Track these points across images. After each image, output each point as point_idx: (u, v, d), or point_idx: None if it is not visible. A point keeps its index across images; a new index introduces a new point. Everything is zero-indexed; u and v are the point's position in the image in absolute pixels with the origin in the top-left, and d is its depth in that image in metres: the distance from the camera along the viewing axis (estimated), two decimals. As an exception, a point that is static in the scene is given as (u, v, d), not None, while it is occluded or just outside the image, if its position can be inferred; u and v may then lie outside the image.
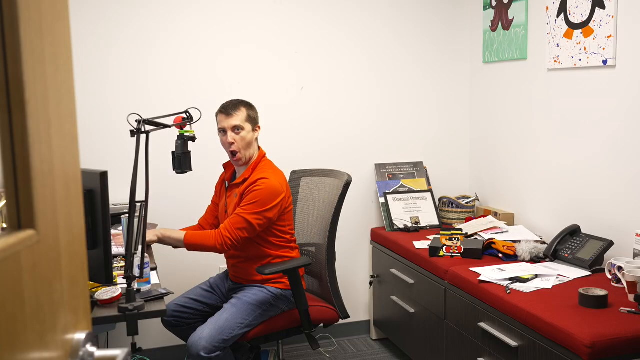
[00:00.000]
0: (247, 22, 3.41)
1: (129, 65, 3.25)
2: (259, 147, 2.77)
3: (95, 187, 1.89)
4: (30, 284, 0.72)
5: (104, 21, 3.19)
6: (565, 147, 3.00)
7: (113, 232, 2.56)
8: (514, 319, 2.32)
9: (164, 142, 2.76)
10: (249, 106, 2.70)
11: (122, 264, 2.45)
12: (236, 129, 2.64)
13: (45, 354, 0.76)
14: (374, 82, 3.65)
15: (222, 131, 2.67)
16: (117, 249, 2.56)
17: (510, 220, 3.37)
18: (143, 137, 2.21)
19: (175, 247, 2.66)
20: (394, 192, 3.61)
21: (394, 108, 3.70)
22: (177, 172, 2.47)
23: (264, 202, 2.58)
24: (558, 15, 2.96)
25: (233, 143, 2.63)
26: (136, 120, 2.23)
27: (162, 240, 2.61)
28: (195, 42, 3.34)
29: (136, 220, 2.15)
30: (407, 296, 3.21)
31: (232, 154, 2.66)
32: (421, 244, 3.17)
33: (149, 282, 2.31)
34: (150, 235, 2.54)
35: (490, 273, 2.62)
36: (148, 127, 2.25)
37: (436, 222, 3.58)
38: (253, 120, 2.70)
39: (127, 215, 2.19)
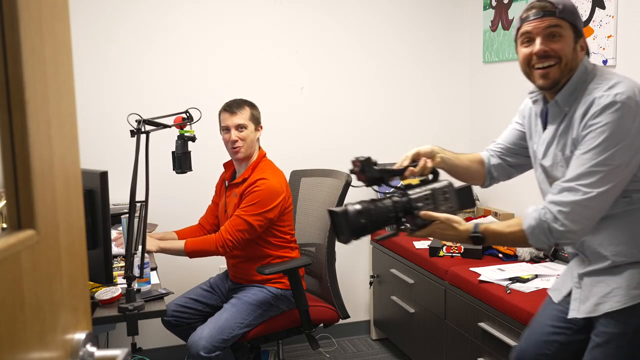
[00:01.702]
0: (247, 22, 3.41)
1: (129, 65, 3.25)
2: (259, 147, 2.77)
3: (95, 187, 1.89)
4: (30, 284, 0.72)
5: (104, 22, 3.19)
6: (565, 147, 3.00)
7: (113, 233, 2.56)
8: (514, 319, 2.32)
9: (164, 142, 2.76)
10: (252, 106, 2.72)
11: (122, 264, 2.45)
12: (240, 127, 2.65)
13: (45, 354, 0.76)
14: (374, 82, 3.65)
15: (225, 129, 2.68)
16: (117, 249, 2.57)
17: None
18: (143, 137, 2.21)
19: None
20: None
21: (394, 108, 3.70)
22: (177, 172, 2.47)
23: (264, 203, 2.58)
24: (558, 15, 2.96)
25: (236, 141, 2.64)
26: (136, 120, 2.23)
27: (162, 251, 2.62)
28: (195, 43, 3.34)
29: (136, 220, 2.15)
30: (407, 296, 3.21)
31: (233, 148, 2.67)
32: (421, 244, 3.17)
33: (149, 282, 2.31)
34: (149, 246, 2.52)
35: (490, 273, 2.62)
36: (148, 127, 2.25)
37: (436, 222, 3.57)
38: (256, 120, 2.71)
39: (127, 215, 2.19)
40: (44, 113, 0.77)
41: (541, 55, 1.67)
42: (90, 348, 0.85)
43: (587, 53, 1.74)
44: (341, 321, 2.93)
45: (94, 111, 3.18)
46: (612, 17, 2.63)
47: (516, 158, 1.99)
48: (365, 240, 3.69)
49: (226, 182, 2.82)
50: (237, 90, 3.21)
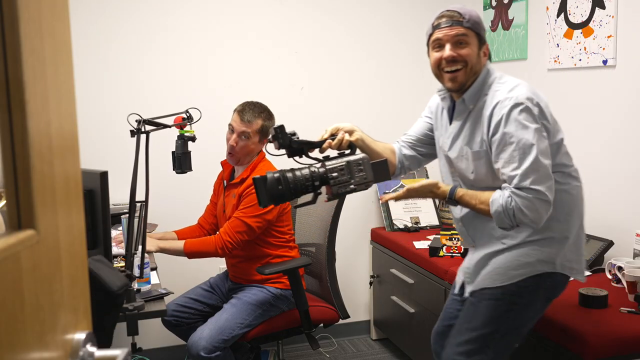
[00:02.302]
0: (247, 22, 3.41)
1: (129, 65, 3.25)
2: (260, 150, 2.77)
3: (95, 187, 1.89)
4: (30, 284, 0.72)
5: (104, 22, 3.19)
6: (565, 147, 3.00)
7: (113, 233, 2.56)
8: (514, 319, 2.31)
9: (164, 142, 2.76)
10: (267, 118, 2.66)
11: (122, 264, 2.45)
12: (244, 135, 2.63)
13: (45, 354, 0.76)
14: (374, 82, 3.65)
15: (231, 129, 2.67)
16: (117, 249, 2.57)
17: (510, 220, 3.37)
18: (143, 137, 2.21)
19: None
20: (394, 192, 3.61)
21: (394, 108, 3.69)
22: (177, 172, 2.47)
23: (263, 205, 2.58)
24: (558, 15, 2.97)
25: (233, 146, 2.64)
26: (136, 120, 2.23)
27: (161, 251, 2.62)
28: (195, 43, 3.34)
29: (136, 220, 2.15)
30: (407, 296, 3.21)
31: (229, 153, 2.67)
32: (421, 244, 3.17)
33: (149, 282, 2.31)
34: (149, 246, 2.51)
35: (490, 273, 2.61)
36: (148, 127, 2.25)
37: (436, 222, 3.57)
38: (264, 134, 2.66)
39: (127, 215, 2.19)
40: (44, 113, 0.77)
41: (450, 60, 1.91)
42: (90, 348, 0.85)
43: (489, 58, 2.00)
44: (341, 321, 2.93)
45: (94, 111, 3.18)
46: (612, 17, 2.63)
47: (426, 148, 2.21)
48: (365, 240, 3.69)
49: (224, 181, 2.82)
50: (237, 91, 3.21)
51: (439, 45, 1.95)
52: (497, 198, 1.82)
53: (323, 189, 1.83)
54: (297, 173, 1.79)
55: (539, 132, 1.81)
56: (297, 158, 1.87)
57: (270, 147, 1.88)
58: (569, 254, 1.95)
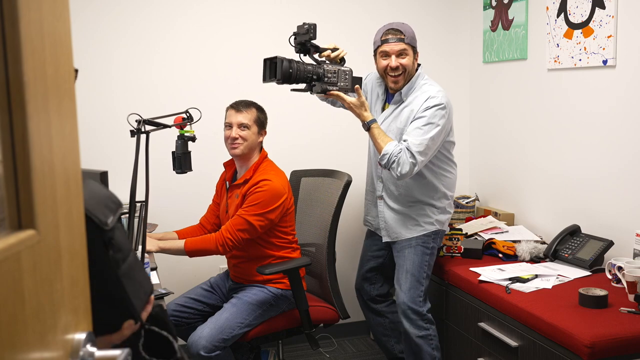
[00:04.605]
0: (248, 22, 3.41)
1: (129, 65, 3.25)
2: (262, 148, 2.77)
3: (95, 187, 1.89)
4: (30, 284, 0.72)
5: (105, 20, 3.19)
6: (565, 147, 3.00)
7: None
8: (514, 319, 2.32)
9: (164, 142, 2.76)
10: (260, 109, 2.73)
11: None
12: (242, 126, 2.65)
13: (46, 354, 0.76)
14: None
15: (228, 126, 2.68)
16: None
17: (510, 220, 3.37)
18: (143, 137, 2.21)
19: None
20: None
21: (394, 108, 3.69)
22: (177, 172, 2.47)
23: (266, 204, 2.58)
24: (558, 15, 2.97)
25: (236, 138, 2.64)
26: (136, 120, 2.23)
27: (162, 251, 2.61)
28: (195, 43, 3.34)
29: (136, 220, 2.15)
30: (407, 296, 3.20)
31: (232, 144, 2.67)
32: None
33: (149, 282, 2.30)
34: (149, 246, 2.50)
35: (490, 273, 2.62)
36: (148, 127, 2.25)
37: (436, 222, 3.56)
38: (261, 124, 2.71)
39: (127, 215, 2.19)
40: (44, 113, 0.77)
41: (394, 68, 2.65)
42: (90, 348, 0.85)
43: (419, 64, 2.75)
44: (341, 321, 2.93)
45: (94, 111, 3.18)
46: (612, 17, 2.63)
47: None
48: (365, 240, 3.69)
49: (227, 182, 2.82)
50: (237, 90, 3.21)
51: (386, 54, 2.67)
52: (393, 145, 2.52)
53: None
54: (304, 66, 2.43)
55: (441, 128, 2.57)
56: (301, 55, 2.48)
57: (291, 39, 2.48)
58: (447, 217, 2.82)
